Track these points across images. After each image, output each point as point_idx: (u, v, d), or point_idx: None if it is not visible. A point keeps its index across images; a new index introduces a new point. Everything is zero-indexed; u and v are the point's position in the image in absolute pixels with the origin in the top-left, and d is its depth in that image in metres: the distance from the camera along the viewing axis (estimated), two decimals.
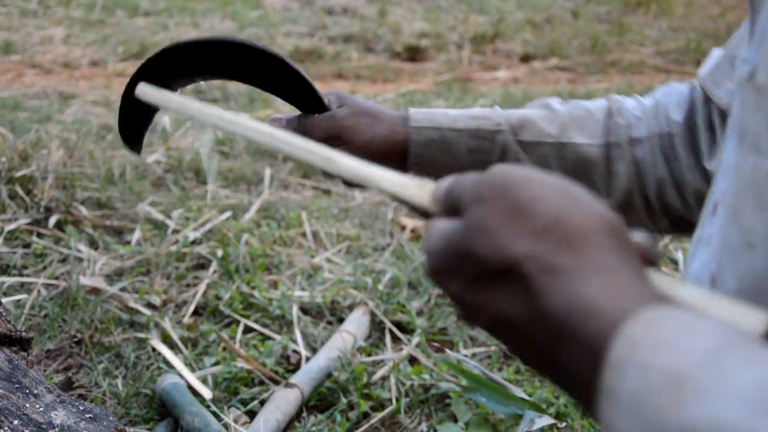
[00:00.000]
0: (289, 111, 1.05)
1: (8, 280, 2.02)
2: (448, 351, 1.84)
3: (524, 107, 1.09)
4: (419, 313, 2.04)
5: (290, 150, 0.65)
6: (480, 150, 1.04)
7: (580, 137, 1.03)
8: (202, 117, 0.70)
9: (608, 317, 0.45)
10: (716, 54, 0.98)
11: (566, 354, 0.47)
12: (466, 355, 1.86)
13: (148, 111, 1.01)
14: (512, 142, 1.04)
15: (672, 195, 1.01)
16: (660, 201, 1.02)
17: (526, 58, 5.58)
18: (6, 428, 1.09)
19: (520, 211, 0.50)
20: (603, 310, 0.45)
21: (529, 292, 0.48)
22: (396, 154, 1.04)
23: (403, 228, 2.56)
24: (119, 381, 1.69)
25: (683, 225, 1.03)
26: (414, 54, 5.48)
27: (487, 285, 0.51)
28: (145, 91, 0.77)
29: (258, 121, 0.68)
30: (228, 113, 0.68)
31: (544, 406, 1.56)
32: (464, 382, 1.62)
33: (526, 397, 1.52)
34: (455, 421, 1.63)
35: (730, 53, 0.93)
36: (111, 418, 1.18)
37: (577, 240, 0.49)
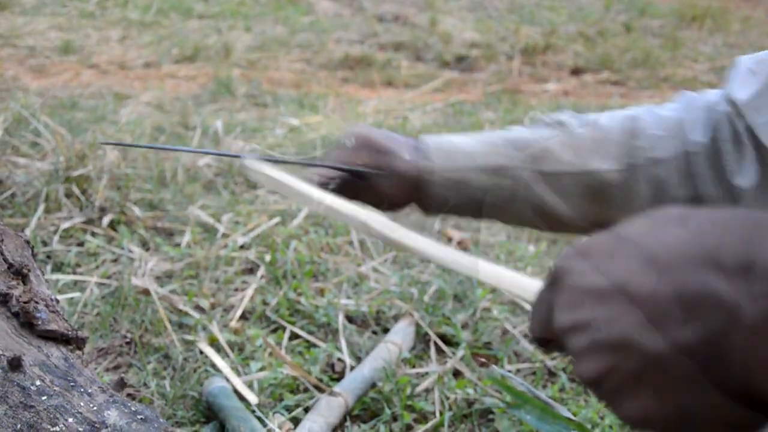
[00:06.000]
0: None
1: (63, 278, 2.07)
2: (492, 366, 1.83)
3: (543, 124, 1.11)
4: (464, 326, 2.04)
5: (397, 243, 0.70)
6: (499, 187, 1.06)
7: (600, 163, 1.03)
8: (304, 201, 0.72)
9: None
10: (744, 68, 0.97)
11: None
12: (510, 371, 1.85)
13: None
14: (532, 176, 1.04)
15: None
16: None
17: (577, 71, 5.53)
18: (61, 425, 1.12)
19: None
20: None
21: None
22: (410, 192, 1.12)
23: (449, 239, 2.56)
24: (167, 382, 1.71)
25: None
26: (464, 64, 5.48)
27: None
28: (252, 165, 0.79)
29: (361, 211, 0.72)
30: (331, 199, 0.70)
31: (589, 426, 1.54)
32: (509, 398, 1.61)
33: (572, 417, 1.50)
34: None
35: None
36: (161, 420, 1.20)
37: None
